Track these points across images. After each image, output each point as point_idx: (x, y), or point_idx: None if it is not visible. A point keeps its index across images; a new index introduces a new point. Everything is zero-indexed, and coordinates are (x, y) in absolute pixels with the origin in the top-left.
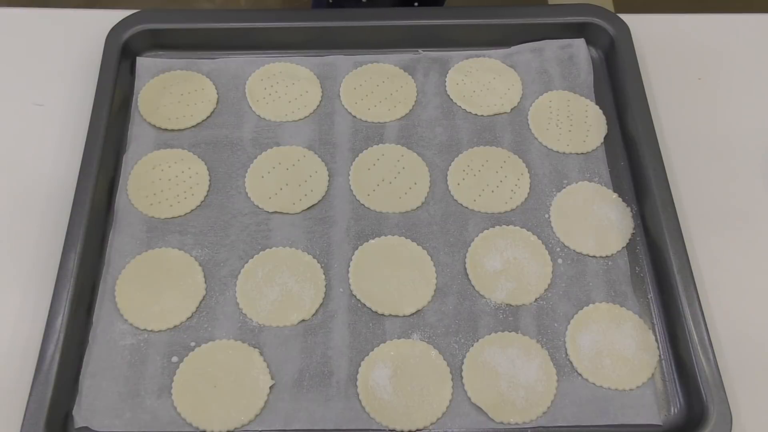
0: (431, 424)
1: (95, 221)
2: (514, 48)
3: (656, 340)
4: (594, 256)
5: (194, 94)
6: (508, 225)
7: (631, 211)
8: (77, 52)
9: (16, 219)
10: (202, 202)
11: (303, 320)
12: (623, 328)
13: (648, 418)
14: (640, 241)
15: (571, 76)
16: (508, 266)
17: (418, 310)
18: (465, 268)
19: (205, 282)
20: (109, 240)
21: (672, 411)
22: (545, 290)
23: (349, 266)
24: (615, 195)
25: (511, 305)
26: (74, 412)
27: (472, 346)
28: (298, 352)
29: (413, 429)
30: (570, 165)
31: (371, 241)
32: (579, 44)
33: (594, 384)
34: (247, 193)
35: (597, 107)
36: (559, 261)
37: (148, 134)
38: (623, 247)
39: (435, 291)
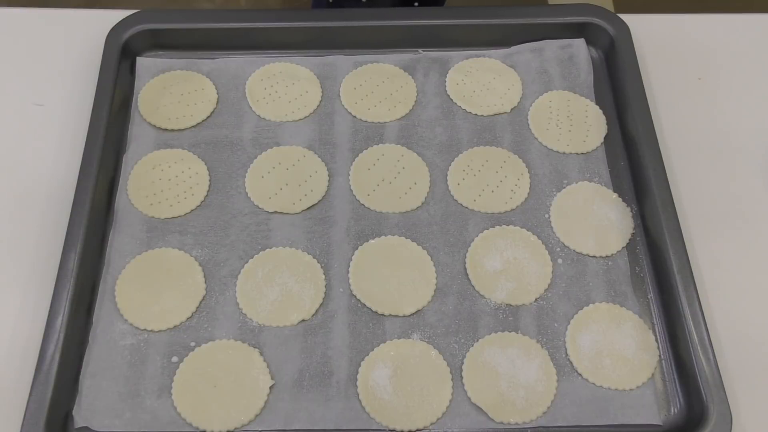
0: (431, 424)
1: (95, 221)
2: (514, 48)
3: (656, 340)
4: (594, 256)
5: (194, 94)
6: (508, 225)
7: (631, 211)
8: (77, 52)
9: (16, 219)
10: (202, 202)
11: (303, 320)
12: (623, 328)
13: (648, 418)
14: (640, 241)
15: (571, 76)
16: (508, 266)
17: (418, 310)
18: (465, 268)
19: (205, 282)
20: (109, 240)
21: (672, 411)
22: (545, 290)
23: (349, 266)
24: (615, 195)
25: (511, 305)
26: (74, 412)
27: (472, 346)
28: (298, 352)
29: (413, 429)
30: (570, 165)
31: (371, 241)
32: (579, 44)
33: (594, 384)
34: (247, 193)
35: (597, 107)
36: (559, 261)
37: (148, 134)
38: (623, 247)
39: (435, 291)
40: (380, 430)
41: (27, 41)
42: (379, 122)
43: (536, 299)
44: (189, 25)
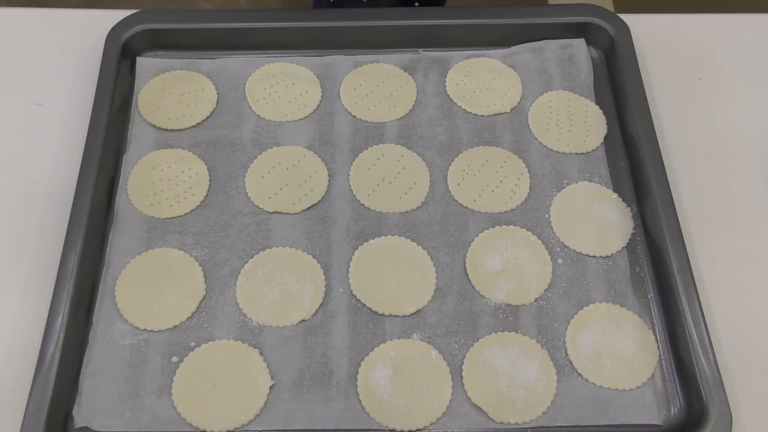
0: (431, 424)
1: (95, 221)
2: (514, 48)
3: (656, 340)
4: (594, 256)
5: (194, 94)
6: (508, 225)
7: (631, 211)
8: (77, 52)
9: (16, 219)
10: (202, 202)
11: (303, 320)
12: (623, 328)
13: (648, 418)
14: (640, 241)
15: (571, 76)
16: (508, 266)
17: (418, 310)
18: (465, 268)
19: (205, 282)
20: (109, 240)
21: (672, 411)
22: (545, 290)
23: (349, 266)
24: (615, 195)
25: (511, 305)
26: (74, 412)
27: (472, 346)
28: (298, 352)
29: (413, 429)
30: (570, 165)
31: (371, 241)
32: (579, 44)
33: (594, 384)
34: (247, 193)
35: (597, 107)
36: (559, 261)
37: (148, 134)
38: (623, 247)
39: (435, 291)
40: (380, 430)
41: (27, 41)
42: (379, 122)
43: (536, 299)
44: (189, 25)
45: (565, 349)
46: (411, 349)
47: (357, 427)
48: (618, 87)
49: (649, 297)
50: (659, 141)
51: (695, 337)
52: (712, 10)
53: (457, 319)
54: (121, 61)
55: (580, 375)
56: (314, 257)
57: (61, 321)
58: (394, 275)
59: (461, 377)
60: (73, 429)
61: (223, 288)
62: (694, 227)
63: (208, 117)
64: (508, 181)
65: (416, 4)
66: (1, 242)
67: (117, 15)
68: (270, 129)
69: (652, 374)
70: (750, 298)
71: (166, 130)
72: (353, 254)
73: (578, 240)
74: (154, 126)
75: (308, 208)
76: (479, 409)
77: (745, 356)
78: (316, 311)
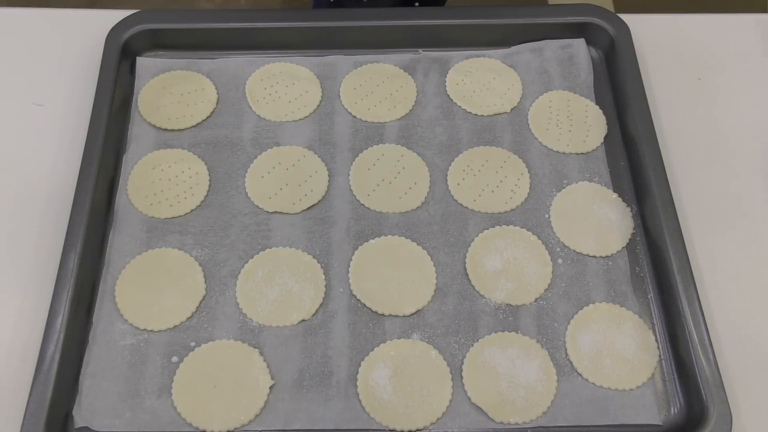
0: (431, 424)
1: (95, 221)
2: (514, 48)
3: (656, 340)
4: (594, 256)
5: (194, 94)
6: (508, 225)
7: (631, 211)
8: (77, 52)
9: (16, 219)
10: (202, 202)
11: (303, 320)
12: (623, 328)
13: (648, 418)
14: (640, 241)
15: (571, 76)
16: (508, 266)
17: (418, 310)
18: (465, 268)
19: (205, 282)
20: (109, 240)
21: (672, 411)
22: (545, 290)
23: (349, 266)
24: (615, 195)
25: (511, 305)
26: (74, 412)
27: (472, 346)
28: (298, 352)
29: (413, 429)
30: (570, 165)
31: (371, 241)
32: (579, 44)
33: (594, 384)
34: (247, 193)
35: (597, 107)
36: (559, 261)
37: (148, 134)
38: (623, 247)
39: (435, 291)
40: (380, 430)
41: (27, 41)
42: (379, 122)
43: (536, 299)
44: (189, 25)
45: (565, 349)
46: (411, 349)
47: (357, 427)
48: (618, 87)
49: (649, 297)
50: (659, 141)
51: (695, 337)
52: (712, 10)
53: (457, 319)
54: (121, 61)
55: (580, 375)
56: (314, 257)
57: (61, 321)
58: (394, 275)
59: (461, 377)
60: (73, 429)
61: (223, 288)
62: (694, 227)
63: (208, 117)
64: (508, 181)
65: (416, 4)
66: (1, 242)
67: (117, 15)
68: (270, 129)
69: (652, 374)
70: (750, 298)
71: (166, 130)
72: (353, 254)
73: (578, 240)
74: (154, 126)
75: (308, 208)
76: (479, 409)
77: (745, 356)
78: (316, 311)
